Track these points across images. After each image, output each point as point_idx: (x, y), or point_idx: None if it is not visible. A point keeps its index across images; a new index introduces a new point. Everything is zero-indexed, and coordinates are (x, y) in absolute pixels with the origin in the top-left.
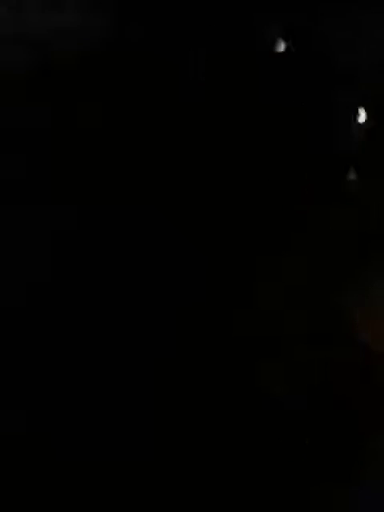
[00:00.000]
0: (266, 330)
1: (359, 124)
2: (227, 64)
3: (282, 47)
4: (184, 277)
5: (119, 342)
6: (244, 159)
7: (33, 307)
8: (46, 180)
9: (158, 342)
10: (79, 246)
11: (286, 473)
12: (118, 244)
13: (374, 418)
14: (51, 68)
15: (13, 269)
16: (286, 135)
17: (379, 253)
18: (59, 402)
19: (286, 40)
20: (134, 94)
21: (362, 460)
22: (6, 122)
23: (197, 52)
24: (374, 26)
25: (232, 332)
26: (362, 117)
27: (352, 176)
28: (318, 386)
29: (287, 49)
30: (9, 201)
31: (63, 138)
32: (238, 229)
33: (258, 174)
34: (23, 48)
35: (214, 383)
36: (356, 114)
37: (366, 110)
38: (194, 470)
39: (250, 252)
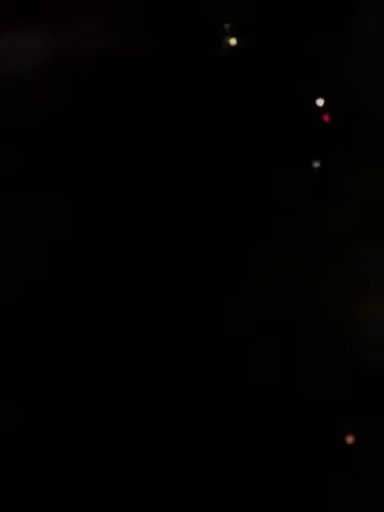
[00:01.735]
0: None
1: None
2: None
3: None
4: (179, 272)
5: (114, 336)
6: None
7: (27, 302)
8: (39, 173)
9: (154, 338)
10: (73, 239)
11: (285, 471)
12: (113, 238)
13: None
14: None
15: (5, 263)
16: None
17: None
18: (54, 398)
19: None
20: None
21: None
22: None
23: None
24: None
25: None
26: None
27: None
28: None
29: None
30: (2, 193)
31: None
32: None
33: None
34: None
35: (211, 381)
36: None
37: None
38: (193, 468)
39: None
